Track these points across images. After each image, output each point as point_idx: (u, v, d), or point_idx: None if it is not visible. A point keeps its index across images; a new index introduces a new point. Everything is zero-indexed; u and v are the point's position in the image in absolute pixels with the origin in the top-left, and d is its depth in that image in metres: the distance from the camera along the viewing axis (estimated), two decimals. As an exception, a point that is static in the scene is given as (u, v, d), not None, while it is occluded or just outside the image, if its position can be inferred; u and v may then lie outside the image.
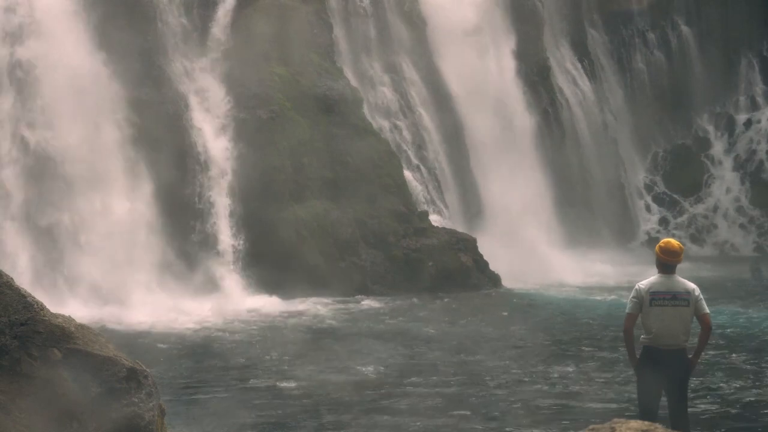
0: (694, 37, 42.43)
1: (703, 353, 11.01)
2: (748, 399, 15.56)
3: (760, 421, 14.33)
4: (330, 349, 20.61)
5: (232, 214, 28.14)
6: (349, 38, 33.39)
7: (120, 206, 26.55)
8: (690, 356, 10.66)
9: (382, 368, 18.15)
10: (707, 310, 10.57)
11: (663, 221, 40.56)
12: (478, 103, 33.94)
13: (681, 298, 10.47)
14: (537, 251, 31.59)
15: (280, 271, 27.40)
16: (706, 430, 13.77)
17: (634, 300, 10.55)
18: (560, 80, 39.12)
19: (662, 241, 10.89)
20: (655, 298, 10.46)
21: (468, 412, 14.99)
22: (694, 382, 14.26)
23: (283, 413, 15.19)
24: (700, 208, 40.79)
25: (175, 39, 29.43)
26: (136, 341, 20.73)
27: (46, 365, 6.70)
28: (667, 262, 10.55)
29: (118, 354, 7.05)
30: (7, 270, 7.84)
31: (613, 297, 26.59)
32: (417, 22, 34.53)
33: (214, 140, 28.72)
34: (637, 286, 10.63)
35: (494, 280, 29.30)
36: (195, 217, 27.99)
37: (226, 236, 27.88)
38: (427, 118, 33.66)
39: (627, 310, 10.61)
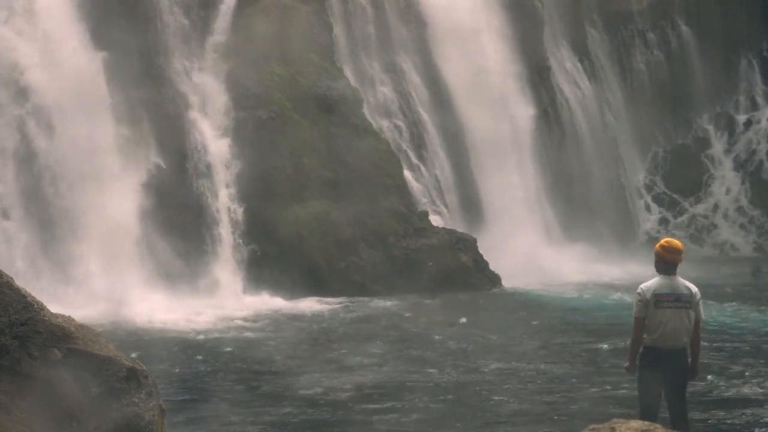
0: (694, 37, 42.39)
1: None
2: (747, 400, 15.56)
3: (761, 422, 14.32)
4: (330, 349, 20.62)
5: (231, 214, 28.14)
6: (349, 38, 33.35)
7: (119, 206, 26.52)
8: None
9: (381, 368, 18.15)
10: (703, 316, 10.62)
11: (663, 221, 40.50)
12: (478, 103, 33.90)
13: (684, 299, 10.45)
14: (537, 251, 31.55)
15: (280, 271, 27.41)
16: (706, 430, 13.77)
17: (640, 303, 10.46)
18: (560, 80, 39.06)
19: (663, 240, 10.84)
20: (659, 300, 10.41)
21: (467, 412, 15.00)
22: (693, 382, 14.24)
23: (283, 413, 15.19)
24: (700, 208, 40.72)
25: (175, 39, 29.41)
26: (135, 341, 20.73)
27: (46, 365, 6.69)
28: (670, 261, 10.49)
29: (118, 354, 7.05)
30: (6, 269, 7.83)
31: (613, 297, 26.57)
32: (417, 22, 34.50)
33: (214, 140, 28.72)
34: (640, 289, 10.56)
35: (494, 280, 29.29)
36: (195, 217, 27.98)
37: (225, 236, 27.87)
38: (427, 118, 33.64)
39: (635, 314, 10.49)
